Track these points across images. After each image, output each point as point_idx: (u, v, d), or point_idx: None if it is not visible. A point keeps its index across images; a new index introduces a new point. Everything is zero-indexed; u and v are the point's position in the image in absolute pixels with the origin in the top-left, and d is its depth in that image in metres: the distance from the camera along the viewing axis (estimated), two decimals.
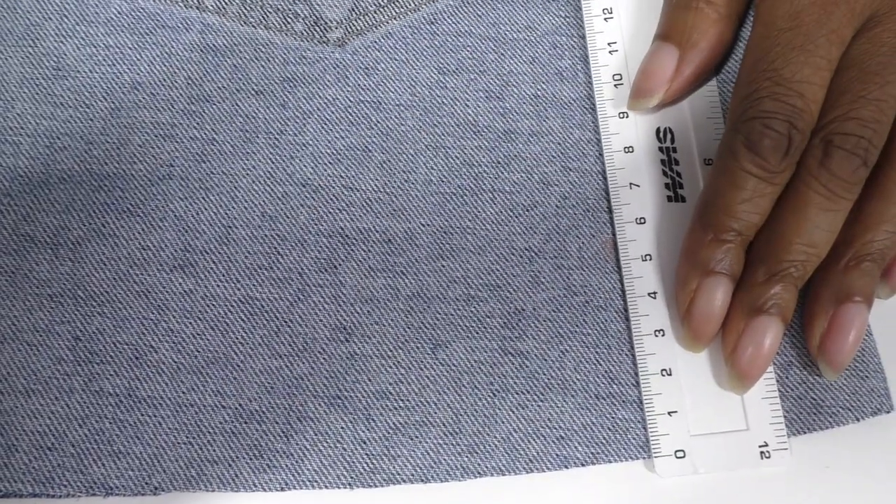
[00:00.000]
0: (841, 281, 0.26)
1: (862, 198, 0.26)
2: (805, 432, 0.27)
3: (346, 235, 0.29)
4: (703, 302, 0.26)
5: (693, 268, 0.27)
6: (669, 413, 0.27)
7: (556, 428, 0.27)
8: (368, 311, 0.28)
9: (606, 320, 0.28)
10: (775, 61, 0.26)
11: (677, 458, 0.26)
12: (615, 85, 0.31)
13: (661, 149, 0.30)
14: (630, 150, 0.30)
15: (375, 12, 0.32)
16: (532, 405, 0.27)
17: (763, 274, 0.26)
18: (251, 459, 0.26)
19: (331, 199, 0.29)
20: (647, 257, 0.28)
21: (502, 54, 0.31)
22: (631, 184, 0.29)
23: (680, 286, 0.27)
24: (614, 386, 0.27)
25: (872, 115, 0.26)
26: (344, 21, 0.31)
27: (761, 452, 0.26)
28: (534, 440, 0.27)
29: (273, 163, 0.30)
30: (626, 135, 0.30)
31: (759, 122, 0.26)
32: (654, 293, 0.28)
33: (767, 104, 0.26)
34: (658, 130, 0.30)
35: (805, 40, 0.26)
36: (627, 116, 0.30)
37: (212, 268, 0.28)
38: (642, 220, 0.29)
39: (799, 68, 0.26)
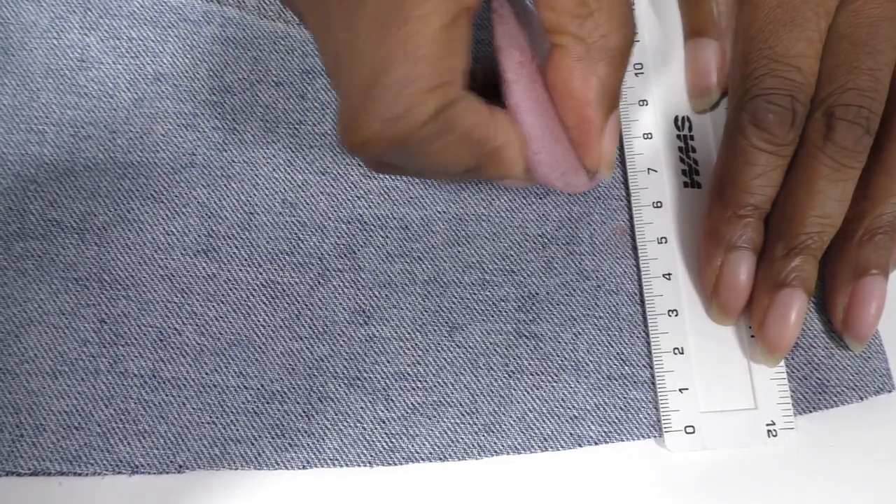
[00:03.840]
0: (857, 256, 0.27)
1: (868, 174, 0.27)
2: (810, 411, 0.28)
3: (365, 222, 0.30)
4: (730, 276, 0.27)
5: (716, 245, 0.28)
6: (680, 390, 0.27)
7: (569, 408, 0.28)
8: (387, 295, 0.29)
9: (618, 303, 0.29)
10: (769, 39, 0.27)
11: (687, 433, 0.27)
12: (636, 73, 0.32)
13: (678, 136, 0.31)
14: (649, 136, 0.31)
15: None
16: (546, 386, 0.28)
17: (782, 249, 0.27)
18: (273, 438, 0.27)
19: (350, 187, 0.30)
20: (663, 240, 0.29)
21: None
22: (649, 169, 0.30)
23: (705, 264, 0.28)
24: (626, 367, 0.28)
25: (869, 84, 0.27)
26: None
27: (768, 431, 0.27)
28: (548, 419, 0.27)
29: (293, 151, 0.30)
30: (646, 122, 0.31)
31: (762, 99, 0.27)
32: (669, 274, 0.29)
33: (768, 81, 0.27)
34: (676, 119, 0.31)
35: (794, 16, 0.27)
36: (647, 104, 0.31)
37: (234, 253, 0.29)
38: (659, 204, 0.30)
39: (793, 43, 0.27)
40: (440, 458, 0.27)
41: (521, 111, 0.23)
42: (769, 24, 0.27)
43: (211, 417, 0.27)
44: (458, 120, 0.22)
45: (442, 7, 0.20)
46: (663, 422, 0.27)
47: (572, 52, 0.22)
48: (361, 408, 0.27)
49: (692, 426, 0.27)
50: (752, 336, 0.28)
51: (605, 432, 0.27)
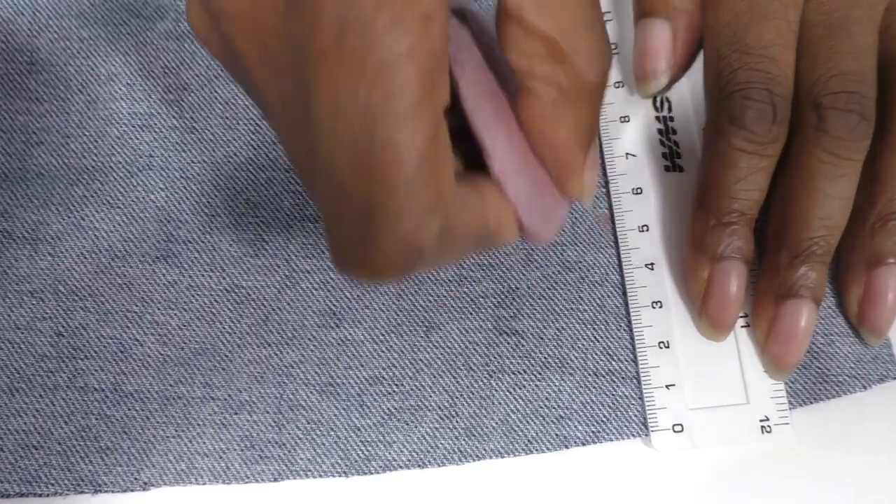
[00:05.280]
0: (870, 245, 0.26)
1: (874, 158, 0.26)
2: (812, 402, 0.27)
3: None
4: (718, 289, 0.26)
5: (701, 255, 0.26)
6: (667, 386, 0.26)
7: (554, 407, 0.26)
8: (358, 296, 0.28)
9: (603, 296, 0.28)
10: (738, 32, 0.26)
11: (675, 432, 0.26)
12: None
13: (658, 118, 0.30)
14: (626, 119, 0.30)
15: None
16: (529, 385, 0.27)
17: (786, 257, 0.26)
18: (242, 451, 0.26)
19: None
20: (645, 228, 0.28)
21: None
22: (627, 153, 0.29)
23: (691, 276, 0.27)
24: (613, 362, 0.27)
25: (853, 67, 0.25)
26: None
27: (762, 427, 0.26)
28: (532, 420, 0.26)
29: (254, 149, 0.29)
30: (623, 104, 0.30)
31: (738, 94, 0.25)
32: (652, 264, 0.28)
33: (741, 75, 0.25)
34: (655, 99, 0.30)
35: (761, 9, 0.26)
36: (623, 86, 0.30)
37: (196, 257, 0.28)
38: (639, 191, 0.29)
39: (762, 34, 0.26)
40: (419, 465, 0.26)
41: (507, 176, 0.21)
42: (735, 18, 0.26)
43: (176, 431, 0.26)
44: (458, 225, 0.20)
45: (423, 122, 0.17)
46: (650, 420, 0.26)
47: (545, 96, 0.20)
48: (335, 415, 0.26)
49: (680, 424, 0.26)
50: (763, 350, 0.26)
51: (592, 432, 0.26)
